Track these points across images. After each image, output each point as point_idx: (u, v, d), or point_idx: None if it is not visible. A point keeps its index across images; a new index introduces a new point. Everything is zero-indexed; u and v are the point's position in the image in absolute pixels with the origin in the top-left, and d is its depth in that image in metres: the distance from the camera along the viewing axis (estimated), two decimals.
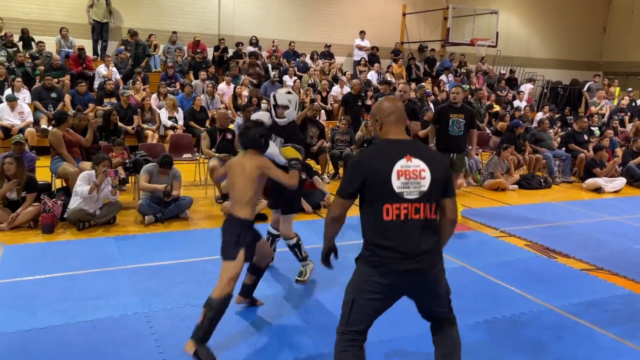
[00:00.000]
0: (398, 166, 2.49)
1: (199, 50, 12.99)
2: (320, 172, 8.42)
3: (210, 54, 13.48)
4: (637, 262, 5.39)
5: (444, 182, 2.57)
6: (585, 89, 14.88)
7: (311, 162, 7.95)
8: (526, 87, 15.36)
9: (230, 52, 13.64)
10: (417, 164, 2.51)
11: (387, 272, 2.51)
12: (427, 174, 2.51)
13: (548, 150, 9.87)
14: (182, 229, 5.88)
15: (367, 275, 2.56)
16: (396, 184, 2.48)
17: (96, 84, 11.08)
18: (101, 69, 11.18)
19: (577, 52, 19.55)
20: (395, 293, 2.60)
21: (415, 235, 2.49)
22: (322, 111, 11.66)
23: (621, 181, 9.19)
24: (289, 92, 4.49)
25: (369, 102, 11.14)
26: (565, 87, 17.17)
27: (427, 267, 2.53)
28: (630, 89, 14.49)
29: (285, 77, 12.83)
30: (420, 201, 2.50)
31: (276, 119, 4.43)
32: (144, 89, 10.70)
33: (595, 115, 12.05)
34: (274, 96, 4.46)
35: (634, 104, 13.35)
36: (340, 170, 8.98)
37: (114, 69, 11.25)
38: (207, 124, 10.00)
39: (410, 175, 2.49)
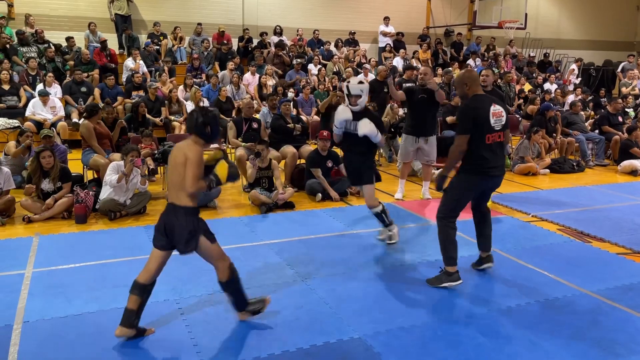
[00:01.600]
0: (491, 110, 3.96)
1: (224, 42, 13.03)
2: None
3: (235, 44, 13.52)
4: None
5: (508, 119, 4.14)
6: (619, 69, 14.40)
7: (338, 150, 7.91)
8: (571, 70, 14.71)
9: (255, 42, 13.65)
10: (499, 108, 4.01)
11: (485, 177, 4.05)
12: (504, 114, 4.05)
13: (580, 133, 9.61)
14: (210, 218, 5.91)
15: (471, 180, 4.06)
16: (491, 121, 3.95)
17: (124, 78, 11.24)
18: (129, 62, 11.33)
19: (609, 31, 18.90)
20: (480, 191, 4.18)
21: (499, 152, 4.07)
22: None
23: None
24: (360, 82, 4.86)
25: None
26: (598, 69, 16.64)
27: (501, 173, 4.15)
28: None
29: (310, 66, 12.78)
30: (500, 130, 4.02)
31: (350, 107, 4.86)
32: (170, 81, 10.81)
33: (630, 96, 11.65)
34: (347, 87, 4.85)
35: None
36: None
37: (142, 62, 11.38)
38: (234, 114, 10.05)
39: (497, 115, 3.99)
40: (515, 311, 3.79)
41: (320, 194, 6.69)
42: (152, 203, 6.31)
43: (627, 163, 8.85)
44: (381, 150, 9.03)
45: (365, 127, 4.69)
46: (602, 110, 10.51)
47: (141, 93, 10.22)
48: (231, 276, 3.43)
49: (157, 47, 12.45)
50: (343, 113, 4.82)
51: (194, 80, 11.04)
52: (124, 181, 5.80)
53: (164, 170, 7.07)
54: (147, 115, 8.87)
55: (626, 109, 10.81)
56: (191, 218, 3.24)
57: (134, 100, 9.58)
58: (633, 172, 8.70)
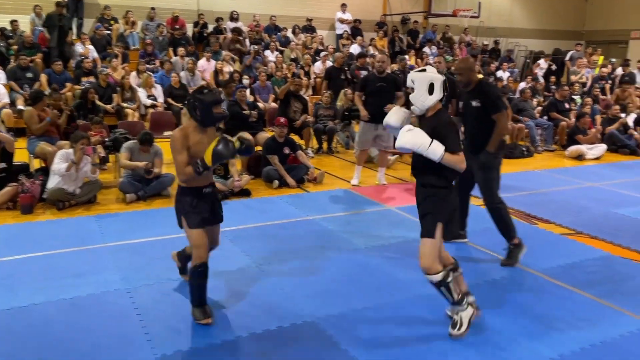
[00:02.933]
0: None
1: (177, 27, 12.74)
2: (304, 146, 8.38)
3: (189, 30, 13.24)
4: (616, 226, 5.48)
5: None
6: (567, 58, 14.89)
7: (295, 137, 7.90)
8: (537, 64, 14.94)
9: (210, 27, 13.41)
10: None
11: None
12: None
13: (530, 120, 9.91)
14: (164, 206, 5.83)
15: (498, 161, 4.35)
16: None
17: (73, 63, 10.84)
18: (78, 48, 10.94)
19: (559, 21, 19.51)
20: None
21: None
22: (308, 86, 11.58)
23: (602, 147, 9.27)
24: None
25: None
26: (548, 57, 17.14)
27: None
28: (613, 60, 14.55)
29: (267, 52, 12.67)
30: None
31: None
32: (123, 68, 10.50)
33: (577, 84, 12.08)
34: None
35: (612, 74, 13.41)
36: (324, 145, 8.94)
37: (91, 47, 11.01)
38: None
39: None
40: None
41: (277, 181, 6.68)
42: (103, 192, 6.15)
43: (573, 148, 9.20)
44: (338, 137, 9.07)
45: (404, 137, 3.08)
46: (551, 97, 10.87)
47: (91, 79, 9.89)
48: (194, 268, 3.31)
49: (108, 32, 12.06)
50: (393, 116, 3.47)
51: (147, 66, 10.77)
52: (74, 170, 5.62)
53: (115, 159, 6.89)
54: (98, 102, 8.61)
55: (573, 96, 11.21)
56: (178, 197, 3.37)
57: (83, 87, 9.27)
58: (579, 157, 9.05)
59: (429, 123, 3.15)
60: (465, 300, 3.26)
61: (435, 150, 2.98)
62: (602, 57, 14.73)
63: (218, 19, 13.37)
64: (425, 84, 3.10)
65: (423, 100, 3.12)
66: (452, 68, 10.62)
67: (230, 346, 3.13)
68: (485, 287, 3.99)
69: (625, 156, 9.41)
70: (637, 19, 18.46)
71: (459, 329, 3.24)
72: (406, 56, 13.39)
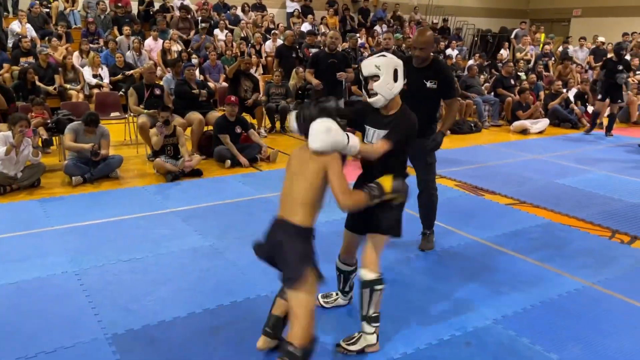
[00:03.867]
0: None
1: (120, 5, 12.27)
2: (257, 126, 8.32)
3: (134, 8, 12.78)
4: (557, 195, 5.75)
5: None
6: (512, 36, 15.30)
7: (247, 117, 7.83)
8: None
9: (157, 5, 12.99)
10: None
11: None
12: None
13: (478, 96, 10.17)
14: (112, 188, 5.69)
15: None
16: None
17: (10, 43, 10.30)
18: (14, 26, 10.38)
19: (505, 0, 19.98)
20: None
21: None
22: (259, 65, 11.44)
23: (545, 122, 9.64)
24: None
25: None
26: (494, 35, 17.58)
27: None
28: (552, 35, 15.03)
29: (216, 31, 12.41)
30: None
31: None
32: (65, 48, 10.06)
33: (521, 61, 12.46)
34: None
35: (554, 50, 13.89)
36: (277, 124, 8.90)
37: (29, 25, 10.47)
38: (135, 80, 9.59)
39: None
40: (413, 259, 4.03)
41: (229, 161, 6.62)
42: (48, 175, 5.94)
43: (518, 123, 9.52)
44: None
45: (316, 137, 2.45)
46: (497, 74, 11.17)
47: (31, 59, 9.43)
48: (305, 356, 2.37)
49: (47, 10, 11.49)
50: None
51: (91, 45, 10.36)
52: (14, 153, 5.39)
53: (59, 141, 6.65)
54: (38, 83, 8.25)
55: (518, 73, 11.56)
56: (303, 238, 2.46)
57: (21, 67, 8.84)
58: (524, 131, 9.38)
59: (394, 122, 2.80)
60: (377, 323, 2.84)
61: (354, 143, 2.53)
62: (543, 35, 15.21)
63: None
64: (391, 69, 2.77)
65: (390, 87, 2.77)
66: (403, 45, 10.80)
67: (183, 322, 3.12)
68: (435, 256, 4.12)
69: (567, 130, 9.82)
70: None
71: (353, 344, 2.83)
72: (357, 34, 13.41)
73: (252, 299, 3.40)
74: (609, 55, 10.76)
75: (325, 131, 2.41)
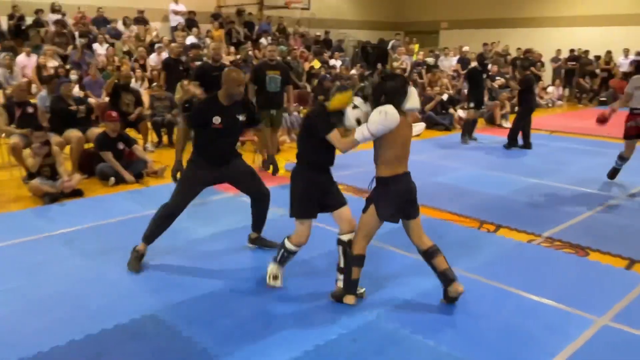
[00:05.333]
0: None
1: None
2: (143, 141, 8.10)
3: (4, 23, 11.91)
4: (434, 192, 6.24)
5: None
6: (389, 47, 16.28)
7: (131, 132, 7.61)
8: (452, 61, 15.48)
9: (29, 20, 12.20)
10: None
11: None
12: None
13: None
14: None
15: None
16: None
17: None
18: None
19: (382, 13, 21.27)
20: None
21: None
22: (144, 79, 11.11)
23: (422, 125, 10.26)
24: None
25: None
26: (373, 46, 18.58)
27: None
28: (415, 44, 16.25)
29: (96, 45, 11.90)
30: None
31: None
32: None
33: (398, 70, 13.31)
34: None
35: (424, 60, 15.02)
36: (165, 138, 8.72)
37: None
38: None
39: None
40: (300, 263, 4.18)
41: (113, 178, 6.40)
42: None
43: None
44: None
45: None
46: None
47: None
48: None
49: None
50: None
51: None
52: None
53: None
54: None
55: None
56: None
57: None
58: None
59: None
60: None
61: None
62: (417, 45, 16.38)
63: (37, 11, 12.25)
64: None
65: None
66: (288, 57, 11.11)
67: (62, 351, 2.99)
68: (319, 258, 4.31)
69: (441, 132, 10.67)
70: (445, 11, 20.83)
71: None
72: (247, 46, 13.52)
73: (137, 320, 3.34)
74: (472, 64, 11.81)
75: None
